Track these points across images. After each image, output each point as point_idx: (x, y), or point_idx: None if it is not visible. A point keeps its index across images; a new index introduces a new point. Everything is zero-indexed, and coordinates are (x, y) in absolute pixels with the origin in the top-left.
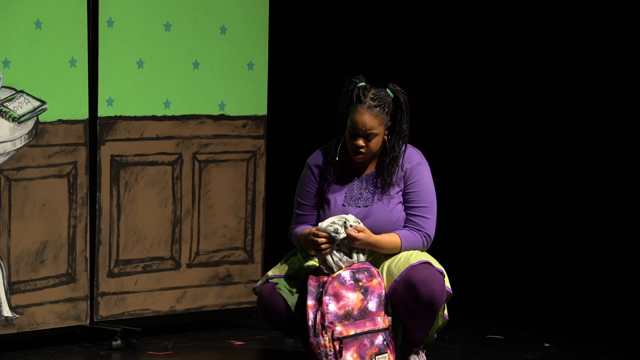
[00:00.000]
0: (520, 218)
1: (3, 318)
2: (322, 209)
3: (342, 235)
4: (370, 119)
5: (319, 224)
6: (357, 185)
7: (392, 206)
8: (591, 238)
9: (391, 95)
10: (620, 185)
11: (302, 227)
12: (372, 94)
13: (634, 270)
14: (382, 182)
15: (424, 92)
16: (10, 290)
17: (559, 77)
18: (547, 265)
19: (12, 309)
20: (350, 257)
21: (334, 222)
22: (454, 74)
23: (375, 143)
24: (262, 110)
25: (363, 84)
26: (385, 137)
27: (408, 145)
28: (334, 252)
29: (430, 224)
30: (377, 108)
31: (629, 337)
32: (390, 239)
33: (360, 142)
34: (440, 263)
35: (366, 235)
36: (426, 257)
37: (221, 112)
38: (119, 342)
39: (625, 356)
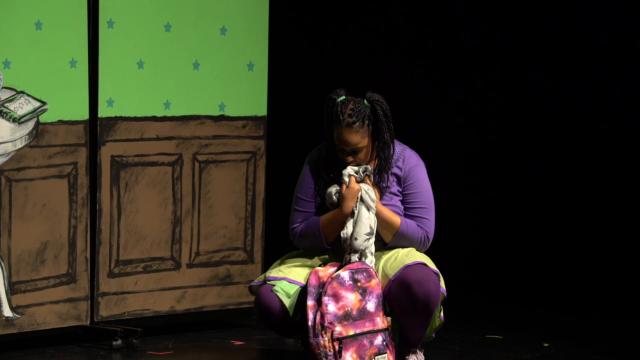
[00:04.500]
0: (519, 218)
1: (4, 318)
2: (322, 206)
3: (367, 166)
4: (351, 136)
5: (344, 171)
6: None
7: (393, 202)
8: (590, 238)
9: (368, 105)
10: (618, 186)
11: (313, 219)
12: (350, 110)
13: (632, 270)
14: (378, 182)
15: (422, 92)
16: (11, 290)
17: (558, 75)
18: (546, 265)
19: (12, 309)
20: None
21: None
22: (450, 74)
23: (364, 154)
24: (262, 110)
25: (342, 98)
26: (374, 144)
27: (406, 147)
28: (362, 185)
29: (429, 225)
30: (356, 123)
31: (628, 337)
32: (392, 214)
33: (349, 158)
34: (440, 262)
35: (377, 196)
36: (422, 257)
37: (221, 113)
38: (119, 342)
39: (623, 356)
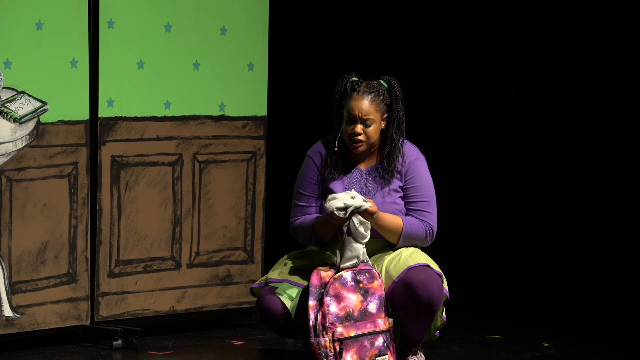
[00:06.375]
0: (520, 217)
1: (4, 318)
2: (323, 202)
3: (359, 199)
4: (365, 104)
5: (329, 203)
6: (357, 179)
7: (393, 199)
8: (590, 238)
9: (384, 85)
10: (618, 186)
11: (310, 216)
12: (366, 84)
13: (633, 269)
14: (384, 171)
15: (423, 90)
16: (12, 290)
17: (560, 74)
18: (547, 265)
19: (13, 309)
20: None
21: (342, 198)
22: (452, 71)
23: (373, 131)
24: (262, 110)
25: (355, 78)
26: (383, 126)
27: (405, 140)
28: (352, 219)
29: (432, 218)
30: (372, 94)
31: (628, 337)
32: (393, 218)
33: (358, 129)
34: (440, 262)
35: (375, 207)
36: (425, 259)
37: (221, 113)
38: (119, 342)
39: (624, 356)
